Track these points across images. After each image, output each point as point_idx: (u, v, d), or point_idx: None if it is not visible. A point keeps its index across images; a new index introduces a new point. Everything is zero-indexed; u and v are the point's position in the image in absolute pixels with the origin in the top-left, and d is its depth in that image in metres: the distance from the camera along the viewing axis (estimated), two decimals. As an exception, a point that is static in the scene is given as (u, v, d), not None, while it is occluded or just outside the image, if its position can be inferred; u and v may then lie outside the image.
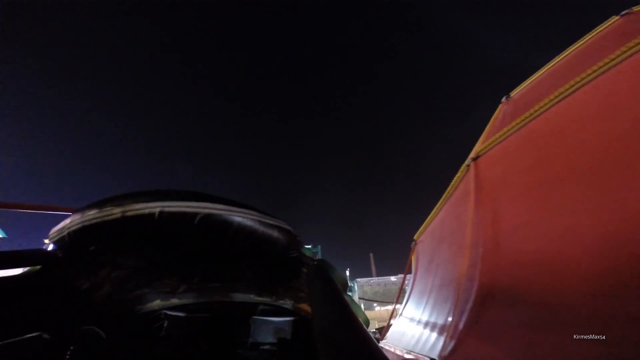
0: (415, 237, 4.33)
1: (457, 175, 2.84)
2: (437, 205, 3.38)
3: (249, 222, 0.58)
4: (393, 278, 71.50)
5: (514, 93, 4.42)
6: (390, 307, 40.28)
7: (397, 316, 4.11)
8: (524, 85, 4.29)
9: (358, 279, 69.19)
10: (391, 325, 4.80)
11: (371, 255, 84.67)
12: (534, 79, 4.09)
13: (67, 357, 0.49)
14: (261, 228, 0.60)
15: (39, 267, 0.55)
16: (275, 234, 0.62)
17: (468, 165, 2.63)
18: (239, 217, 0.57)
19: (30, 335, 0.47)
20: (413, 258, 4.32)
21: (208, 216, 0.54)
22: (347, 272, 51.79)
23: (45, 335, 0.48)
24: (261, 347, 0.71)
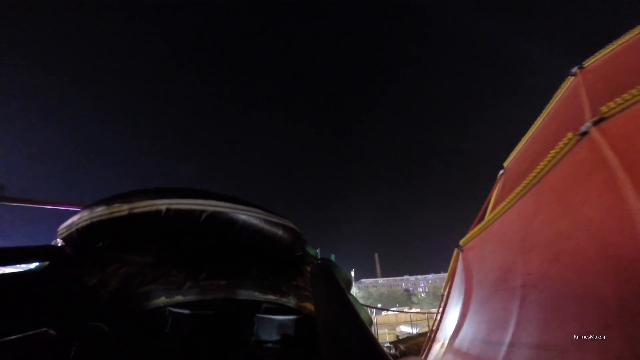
0: (461, 243, 3.43)
1: (554, 151, 1.94)
2: (508, 200, 2.46)
3: (254, 221, 0.59)
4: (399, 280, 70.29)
5: (588, 63, 3.67)
6: (395, 313, 38.90)
7: (438, 341, 3.18)
8: (598, 57, 3.58)
9: (363, 280, 68.14)
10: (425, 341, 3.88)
11: (376, 255, 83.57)
12: (610, 51, 3.39)
13: (72, 353, 0.48)
14: (266, 226, 0.61)
15: (47, 263, 0.57)
16: (280, 232, 0.63)
17: (582, 134, 1.72)
18: (245, 215, 0.58)
19: (36, 331, 0.47)
20: (457, 270, 3.40)
21: (214, 214, 0.55)
22: (352, 273, 50.99)
23: (51, 331, 0.48)
24: (264, 345, 0.69)
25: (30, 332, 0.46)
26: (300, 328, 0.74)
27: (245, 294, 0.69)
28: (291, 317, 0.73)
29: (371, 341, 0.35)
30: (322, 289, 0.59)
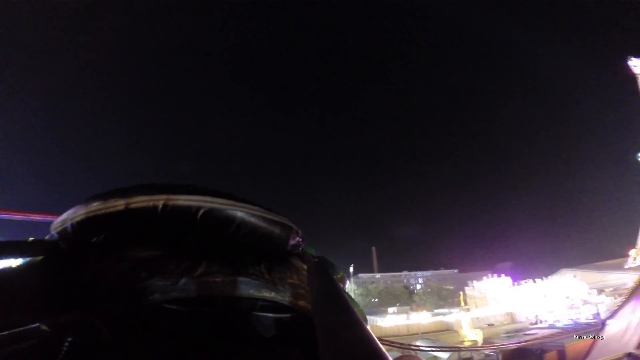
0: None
1: None
2: None
3: (251, 218, 0.60)
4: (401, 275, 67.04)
5: None
6: (401, 315, 35.28)
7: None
8: None
9: (360, 275, 65.20)
10: None
11: (373, 249, 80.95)
12: None
13: (65, 348, 0.46)
14: (264, 224, 0.62)
15: (41, 257, 0.56)
16: (277, 230, 0.64)
17: None
18: (242, 212, 0.59)
19: (29, 326, 0.46)
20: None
21: (211, 210, 0.56)
22: (351, 269, 48.01)
23: (44, 327, 0.47)
24: (261, 342, 0.69)
25: (23, 328, 0.45)
26: (296, 326, 0.71)
27: (241, 291, 0.66)
28: (287, 314, 0.71)
29: (368, 339, 0.36)
30: (318, 287, 0.60)
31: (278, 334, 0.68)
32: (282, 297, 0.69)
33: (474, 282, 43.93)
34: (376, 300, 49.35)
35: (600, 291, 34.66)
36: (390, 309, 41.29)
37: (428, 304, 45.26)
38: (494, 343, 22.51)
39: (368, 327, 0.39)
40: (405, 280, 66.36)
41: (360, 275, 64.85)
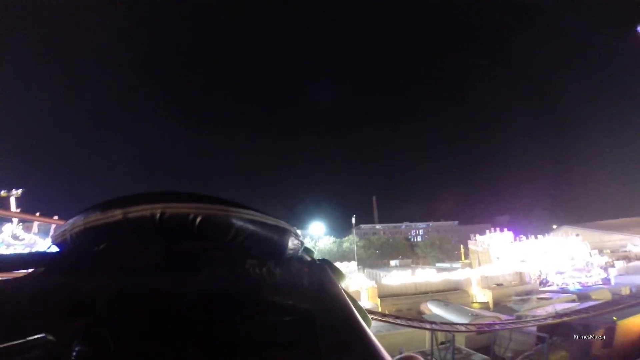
0: None
1: None
2: None
3: (249, 223, 0.61)
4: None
5: None
6: (405, 271, 35.45)
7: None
8: None
9: (362, 225, 66.44)
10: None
11: (374, 198, 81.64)
12: None
13: (73, 359, 0.48)
14: (263, 228, 0.63)
15: (42, 269, 0.58)
16: (276, 234, 0.66)
17: None
18: (240, 217, 0.60)
19: (35, 337, 0.47)
20: None
21: (209, 217, 0.57)
22: (353, 220, 48.01)
23: (50, 337, 0.48)
24: (263, 346, 0.68)
25: (28, 338, 0.46)
26: (299, 329, 0.68)
27: (243, 296, 0.66)
28: (290, 317, 0.69)
29: (369, 342, 0.37)
30: (320, 290, 0.61)
31: (281, 336, 0.68)
32: (285, 300, 0.69)
33: (477, 235, 44.15)
34: (377, 252, 50.58)
35: (600, 252, 34.76)
36: (392, 262, 42.05)
37: (429, 257, 46.29)
38: (506, 305, 22.62)
39: (370, 331, 0.40)
40: (405, 231, 67.69)
41: (362, 226, 65.80)
